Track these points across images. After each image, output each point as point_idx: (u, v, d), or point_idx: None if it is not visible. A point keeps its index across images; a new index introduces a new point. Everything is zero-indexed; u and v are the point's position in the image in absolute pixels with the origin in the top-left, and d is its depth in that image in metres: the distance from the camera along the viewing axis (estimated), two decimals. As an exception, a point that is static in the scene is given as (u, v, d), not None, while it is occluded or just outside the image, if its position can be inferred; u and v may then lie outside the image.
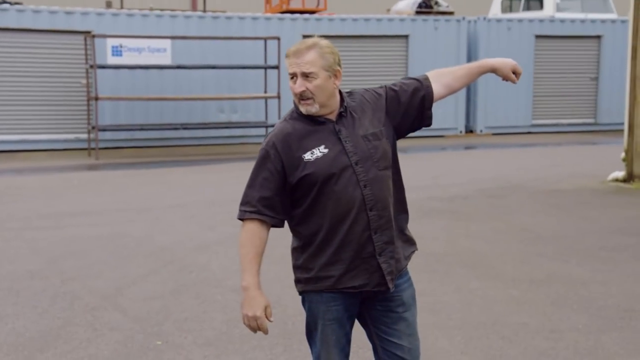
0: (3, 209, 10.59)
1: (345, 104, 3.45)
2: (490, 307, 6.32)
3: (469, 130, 20.54)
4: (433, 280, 6.95)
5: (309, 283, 3.47)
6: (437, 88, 3.58)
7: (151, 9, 19.56)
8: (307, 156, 3.35)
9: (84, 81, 16.96)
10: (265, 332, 3.39)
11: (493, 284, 6.95)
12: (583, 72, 21.30)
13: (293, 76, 3.34)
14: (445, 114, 19.74)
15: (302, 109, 3.37)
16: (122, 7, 20.89)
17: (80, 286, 6.89)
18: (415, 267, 7.41)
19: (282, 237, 8.52)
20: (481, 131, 20.45)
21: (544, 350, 5.40)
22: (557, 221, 9.61)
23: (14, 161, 15.69)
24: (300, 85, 3.31)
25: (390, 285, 3.43)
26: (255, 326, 3.36)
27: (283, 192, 3.40)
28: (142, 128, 17.24)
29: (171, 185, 12.92)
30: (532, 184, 12.30)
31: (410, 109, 3.54)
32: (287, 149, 3.36)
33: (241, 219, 3.43)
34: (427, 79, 3.58)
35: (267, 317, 3.39)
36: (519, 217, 9.84)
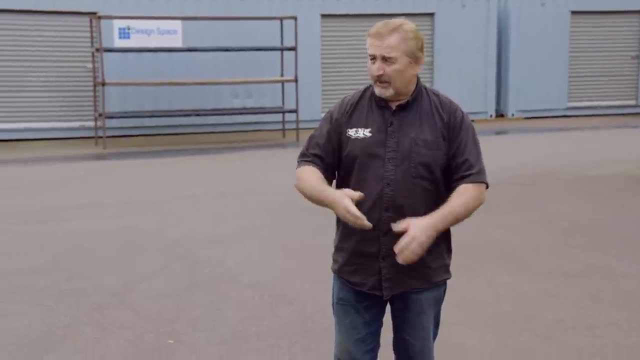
0: (5, 201, 10.65)
1: (415, 97, 3.47)
2: (523, 303, 6.31)
3: (500, 114, 20.40)
4: (462, 275, 6.91)
5: (332, 262, 3.65)
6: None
7: (160, -12, 19.58)
8: (351, 133, 3.47)
9: (89, 65, 17.00)
10: (368, 226, 3.29)
11: (525, 277, 6.94)
12: (623, 50, 21.04)
13: (373, 58, 3.40)
14: (474, 97, 19.61)
15: (377, 91, 3.45)
16: (129, -13, 20.92)
17: (87, 283, 6.92)
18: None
19: (301, 232, 8.55)
20: (513, 115, 20.31)
21: (582, 348, 5.40)
22: (594, 210, 9.56)
23: (16, 151, 15.76)
24: (379, 68, 3.38)
25: (385, 294, 3.48)
26: (360, 223, 3.27)
27: (333, 154, 3.52)
28: (151, 115, 17.27)
29: (182, 175, 12.96)
30: (566, 171, 12.23)
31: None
32: (341, 118, 3.52)
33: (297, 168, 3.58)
34: (461, 181, 3.42)
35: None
36: (552, 206, 9.79)
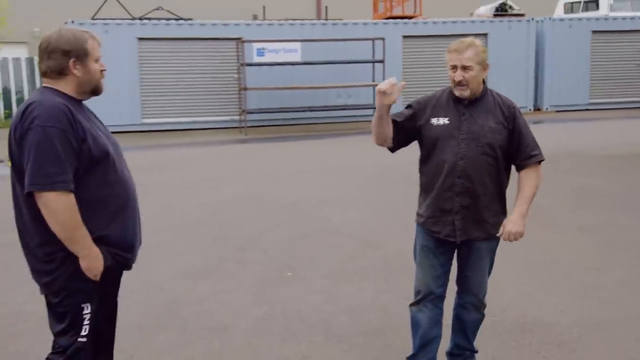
0: (178, 173, 10.91)
1: (482, 95, 3.45)
2: (548, 250, 6.15)
3: (537, 108, 19.75)
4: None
5: (417, 216, 3.61)
6: (519, 178, 3.47)
7: (286, 19, 19.65)
8: (434, 121, 3.46)
9: (236, 76, 17.26)
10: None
11: (552, 231, 6.74)
12: (631, 60, 20.11)
13: (454, 67, 3.38)
14: (517, 94, 19.04)
15: (457, 93, 3.43)
16: (264, 19, 21.07)
17: (232, 232, 7.03)
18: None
19: (387, 197, 8.50)
20: (547, 109, 19.62)
21: (590, 284, 5.24)
22: (611, 181, 9.16)
23: (186, 137, 16.13)
24: (459, 75, 3.37)
25: (458, 240, 3.47)
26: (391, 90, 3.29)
27: (406, 129, 3.49)
28: (279, 111, 17.41)
29: (300, 155, 13.04)
30: (588, 151, 11.75)
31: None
32: (424, 108, 3.50)
33: None
34: (528, 161, 3.43)
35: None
36: (574, 177, 9.45)
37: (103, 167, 2.75)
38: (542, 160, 3.46)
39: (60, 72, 2.75)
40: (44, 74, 2.78)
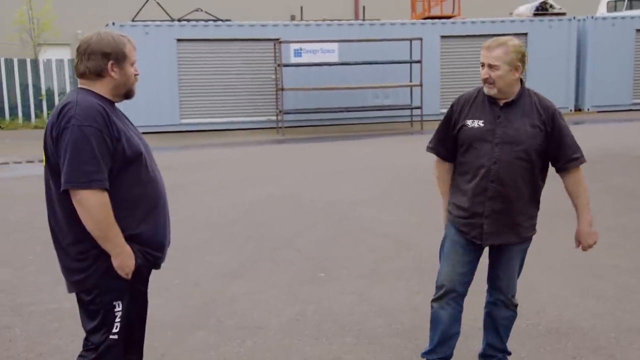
0: (214, 173, 11.00)
1: (519, 96, 3.39)
2: (588, 252, 5.94)
3: (578, 109, 19.41)
4: (541, 231, 6.62)
5: (448, 213, 3.60)
6: (565, 183, 3.46)
7: (323, 20, 19.68)
8: (469, 123, 3.42)
9: (273, 76, 17.35)
10: None
11: (591, 234, 6.61)
12: (677, 58, 19.60)
13: (483, 65, 3.36)
14: (558, 95, 18.76)
15: (485, 90, 3.40)
16: (302, 19, 21.13)
17: (268, 231, 7.06)
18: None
19: (421, 197, 8.44)
20: (588, 109, 19.27)
21: (632, 287, 5.12)
22: (650, 183, 8.97)
23: (223, 137, 16.28)
24: (485, 73, 3.35)
25: (484, 244, 3.44)
26: None
27: (451, 137, 3.48)
28: (316, 111, 17.45)
29: (337, 154, 13.03)
30: (629, 152, 11.49)
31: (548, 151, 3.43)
32: (460, 110, 3.47)
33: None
34: (570, 164, 3.39)
35: None
36: (615, 178, 9.25)
37: (136, 167, 2.80)
38: (584, 162, 3.40)
39: (98, 74, 2.81)
40: (81, 75, 2.84)
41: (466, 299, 3.92)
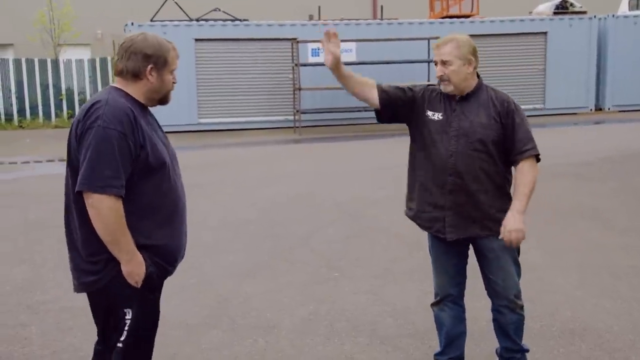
0: (231, 172, 11.05)
1: (475, 90, 3.39)
2: (604, 252, 5.97)
3: (598, 108, 19.16)
4: (556, 231, 6.63)
5: (407, 209, 3.61)
6: (515, 174, 3.37)
7: (341, 19, 19.66)
8: (429, 114, 3.44)
9: (291, 76, 17.36)
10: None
11: (608, 233, 6.55)
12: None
13: (436, 63, 3.38)
14: (578, 94, 18.62)
15: (442, 88, 3.41)
16: (319, 19, 21.13)
17: (284, 230, 7.08)
18: (541, 219, 7.09)
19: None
20: (609, 109, 19.02)
21: (648, 289, 5.05)
22: (670, 184, 8.85)
23: (241, 137, 16.31)
24: (439, 70, 3.36)
25: (448, 237, 3.41)
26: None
27: (406, 111, 3.49)
28: (333, 110, 17.42)
29: (353, 154, 13.02)
30: (649, 152, 11.38)
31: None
32: (423, 99, 3.47)
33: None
34: (520, 156, 3.32)
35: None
36: (635, 178, 9.14)
37: (158, 176, 2.73)
38: (537, 155, 3.33)
39: (136, 75, 2.74)
40: (119, 73, 2.77)
41: (475, 302, 3.91)
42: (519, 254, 3.51)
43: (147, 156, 2.67)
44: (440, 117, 3.39)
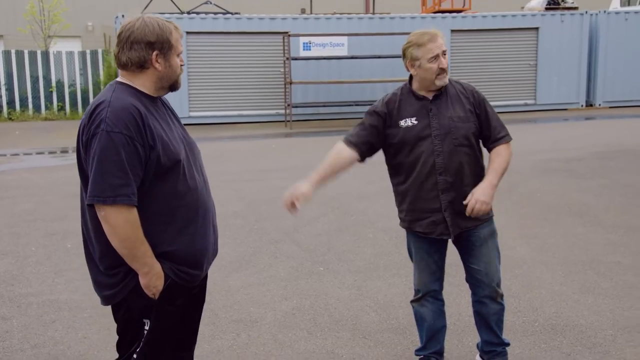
0: (220, 165, 10.97)
1: (445, 87, 3.39)
2: (590, 249, 5.97)
3: (589, 104, 19.24)
4: (544, 226, 6.64)
5: (400, 221, 3.59)
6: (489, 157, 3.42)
7: (333, 13, 19.62)
8: (402, 124, 3.39)
9: (282, 70, 17.33)
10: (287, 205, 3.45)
11: (595, 229, 6.55)
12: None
13: (437, 57, 3.29)
14: (569, 90, 18.66)
15: (439, 83, 3.35)
16: (311, 13, 21.09)
17: (269, 224, 7.06)
18: (529, 215, 7.10)
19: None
20: (599, 105, 19.09)
21: (633, 284, 5.06)
22: (658, 180, 8.87)
23: (231, 130, 16.29)
24: (444, 62, 3.33)
25: (452, 236, 3.42)
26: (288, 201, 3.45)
27: (379, 142, 3.47)
28: (325, 105, 17.43)
29: (344, 148, 12.96)
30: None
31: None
32: (389, 114, 3.42)
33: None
34: (497, 143, 3.38)
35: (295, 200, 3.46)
36: (625, 175, 9.15)
37: (173, 176, 2.52)
38: (510, 141, 3.42)
39: (141, 65, 2.53)
40: (123, 66, 2.55)
41: (456, 296, 3.90)
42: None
43: (159, 157, 2.47)
44: (415, 122, 3.36)
